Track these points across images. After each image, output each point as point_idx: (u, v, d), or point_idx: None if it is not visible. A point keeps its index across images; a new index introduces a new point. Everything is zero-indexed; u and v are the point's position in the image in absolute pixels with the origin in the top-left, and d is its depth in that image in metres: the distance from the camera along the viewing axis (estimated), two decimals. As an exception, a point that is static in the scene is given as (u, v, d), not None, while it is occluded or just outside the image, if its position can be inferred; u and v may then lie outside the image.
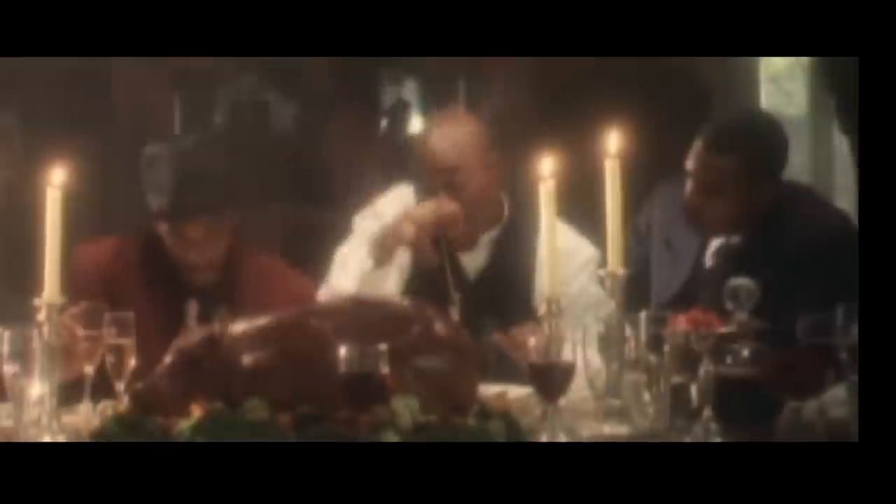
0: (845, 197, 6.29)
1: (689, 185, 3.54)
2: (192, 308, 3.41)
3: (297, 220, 5.00)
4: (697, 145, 3.53)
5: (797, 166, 6.34)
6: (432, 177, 3.49)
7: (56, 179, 2.76)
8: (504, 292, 3.45)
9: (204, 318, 3.26)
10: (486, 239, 3.58)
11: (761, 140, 3.57)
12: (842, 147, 6.29)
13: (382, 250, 3.45)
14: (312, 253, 3.86)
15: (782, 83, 6.83)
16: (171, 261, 3.45)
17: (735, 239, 3.55)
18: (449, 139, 3.51)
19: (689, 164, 3.54)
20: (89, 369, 2.89)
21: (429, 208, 3.46)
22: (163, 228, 3.43)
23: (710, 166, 3.49)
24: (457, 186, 3.46)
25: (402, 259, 3.49)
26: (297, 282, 3.57)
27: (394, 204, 3.59)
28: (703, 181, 3.50)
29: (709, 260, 3.59)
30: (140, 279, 3.47)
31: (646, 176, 3.73)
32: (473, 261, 3.55)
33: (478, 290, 3.49)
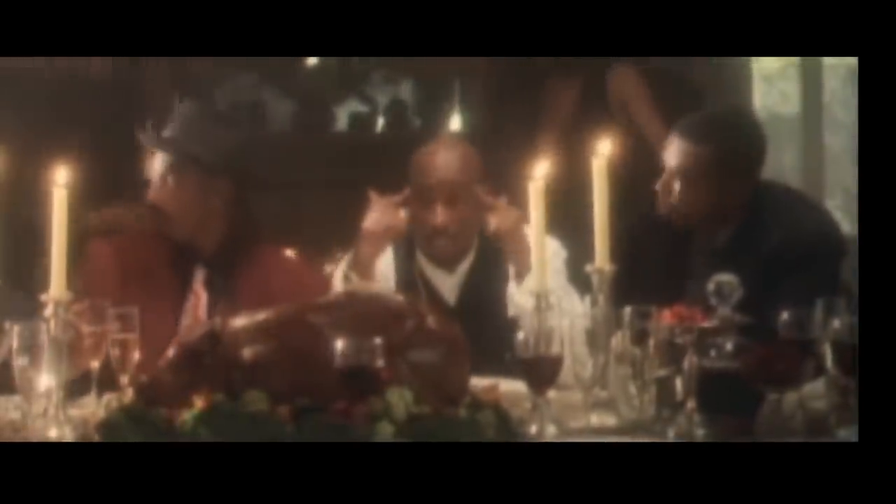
0: (838, 195, 6.35)
1: (666, 176, 3.59)
2: (200, 274, 3.53)
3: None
4: (678, 136, 3.59)
5: (789, 165, 6.39)
6: (433, 188, 3.59)
7: (61, 178, 2.79)
8: (479, 320, 3.47)
9: (209, 284, 3.48)
10: (461, 269, 3.68)
11: (736, 135, 3.61)
12: (834, 146, 6.34)
13: (360, 260, 3.56)
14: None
15: (775, 82, 6.84)
16: (176, 237, 3.57)
17: (720, 236, 3.60)
18: (451, 155, 3.65)
19: (665, 152, 3.59)
20: (95, 365, 2.93)
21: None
22: (191, 180, 3.54)
23: (683, 154, 3.54)
24: (454, 199, 3.59)
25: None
26: (306, 273, 3.68)
27: None
28: (676, 168, 3.55)
29: (695, 256, 3.63)
30: (151, 262, 3.57)
31: (638, 174, 3.80)
32: (450, 288, 3.66)
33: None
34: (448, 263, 3.67)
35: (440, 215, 3.58)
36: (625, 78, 4.90)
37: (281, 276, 3.57)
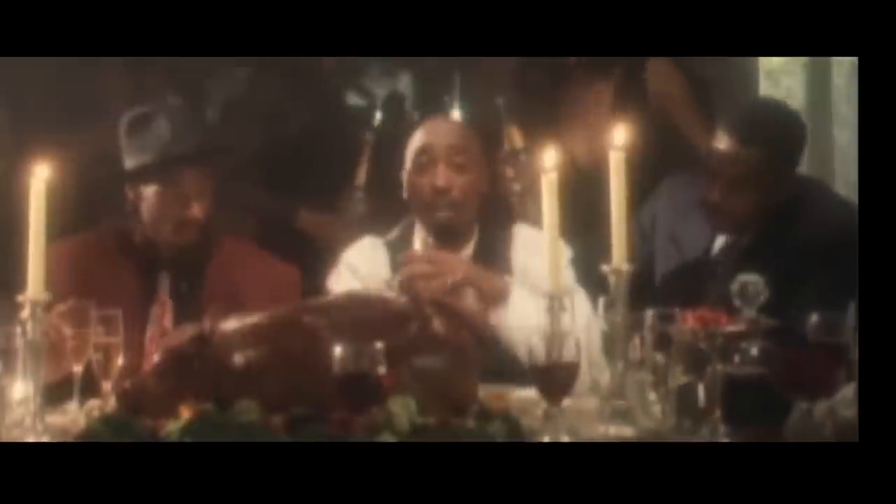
0: (843, 191, 6.27)
1: (709, 180, 3.48)
2: (164, 280, 3.46)
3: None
4: (723, 138, 3.48)
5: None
6: (435, 148, 3.48)
7: (40, 173, 2.73)
8: None
9: (175, 290, 3.42)
10: (462, 255, 3.55)
11: (788, 132, 3.54)
12: (840, 142, 6.29)
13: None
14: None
15: (780, 78, 6.82)
16: (143, 238, 3.50)
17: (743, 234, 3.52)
18: (452, 123, 3.68)
19: (713, 158, 3.48)
20: (77, 368, 2.88)
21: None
22: (147, 191, 3.46)
23: (738, 159, 3.44)
24: (457, 164, 3.49)
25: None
26: (275, 268, 3.61)
27: (364, 256, 3.57)
28: (729, 175, 3.45)
29: (716, 255, 3.55)
30: (114, 264, 3.49)
31: (645, 171, 3.68)
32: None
33: None
34: (450, 240, 3.53)
35: (442, 175, 3.46)
36: (667, 75, 4.74)
37: (249, 273, 3.51)
